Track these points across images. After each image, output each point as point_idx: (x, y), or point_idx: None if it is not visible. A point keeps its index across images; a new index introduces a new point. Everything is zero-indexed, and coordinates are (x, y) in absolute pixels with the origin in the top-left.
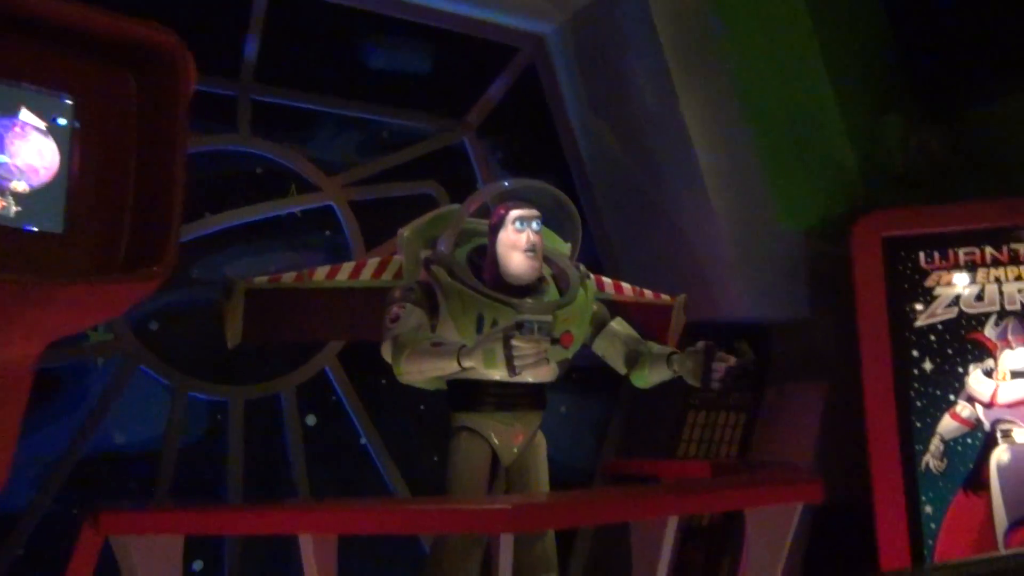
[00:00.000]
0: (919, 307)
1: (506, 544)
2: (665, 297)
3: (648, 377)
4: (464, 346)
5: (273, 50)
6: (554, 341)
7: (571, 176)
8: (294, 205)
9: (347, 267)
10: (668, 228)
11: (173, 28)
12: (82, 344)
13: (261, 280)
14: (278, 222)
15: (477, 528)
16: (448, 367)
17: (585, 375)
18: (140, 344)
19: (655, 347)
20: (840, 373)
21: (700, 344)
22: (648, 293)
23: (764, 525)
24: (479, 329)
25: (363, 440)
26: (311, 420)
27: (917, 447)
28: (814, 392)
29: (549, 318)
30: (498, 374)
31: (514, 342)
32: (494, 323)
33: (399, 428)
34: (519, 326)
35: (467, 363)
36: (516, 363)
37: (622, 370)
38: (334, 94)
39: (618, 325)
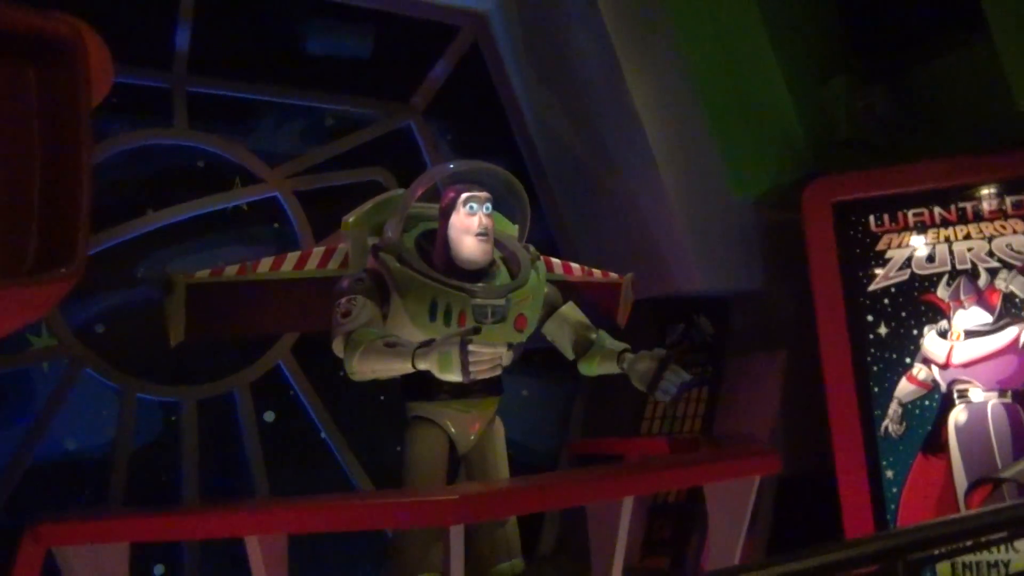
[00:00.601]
0: (872, 271)
1: (456, 535)
2: (613, 276)
3: (595, 368)
4: (419, 347)
5: (206, 39)
6: (509, 347)
7: (521, 156)
8: (238, 198)
9: (292, 257)
10: (620, 204)
11: (99, 19)
12: (25, 351)
13: (203, 274)
14: (224, 216)
15: (424, 521)
16: (402, 368)
17: (546, 356)
18: (85, 347)
19: (607, 340)
20: (799, 342)
21: (658, 351)
22: (597, 273)
23: (723, 500)
24: (432, 316)
25: (323, 434)
26: (269, 417)
27: (876, 412)
28: (774, 362)
29: (502, 302)
30: (453, 378)
31: (471, 347)
32: (447, 309)
33: (359, 420)
34: (475, 331)
35: (421, 365)
36: (471, 368)
37: (570, 356)
38: (273, 82)
39: (569, 310)
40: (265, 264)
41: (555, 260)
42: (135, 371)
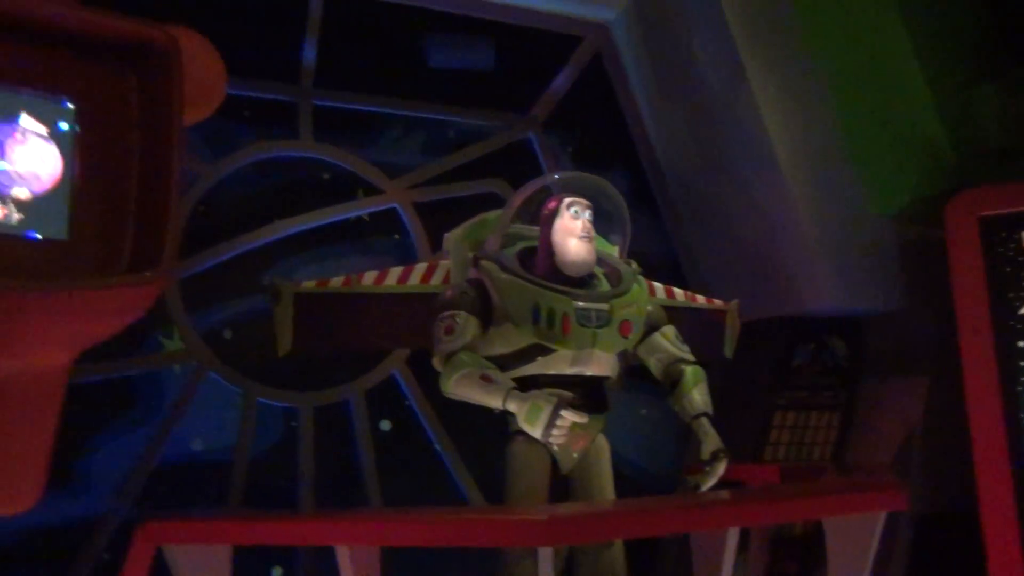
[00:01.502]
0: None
1: (545, 557)
2: (718, 302)
3: (674, 404)
4: (514, 388)
5: (332, 54)
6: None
7: (642, 168)
8: (359, 209)
9: (395, 272)
10: (746, 219)
11: (229, 36)
12: (158, 354)
13: (309, 284)
14: (347, 226)
15: (511, 541)
16: (492, 403)
17: None
18: (211, 352)
19: (694, 394)
20: (941, 367)
21: (717, 450)
22: (701, 298)
23: (844, 536)
24: (536, 319)
25: (436, 446)
26: (386, 426)
27: None
28: (914, 388)
29: (606, 306)
30: (532, 431)
31: (563, 412)
32: (550, 312)
33: (473, 433)
34: (572, 404)
35: (511, 407)
36: (553, 432)
37: (658, 377)
38: (396, 95)
39: (663, 338)
40: (369, 277)
41: (657, 284)
42: (258, 376)
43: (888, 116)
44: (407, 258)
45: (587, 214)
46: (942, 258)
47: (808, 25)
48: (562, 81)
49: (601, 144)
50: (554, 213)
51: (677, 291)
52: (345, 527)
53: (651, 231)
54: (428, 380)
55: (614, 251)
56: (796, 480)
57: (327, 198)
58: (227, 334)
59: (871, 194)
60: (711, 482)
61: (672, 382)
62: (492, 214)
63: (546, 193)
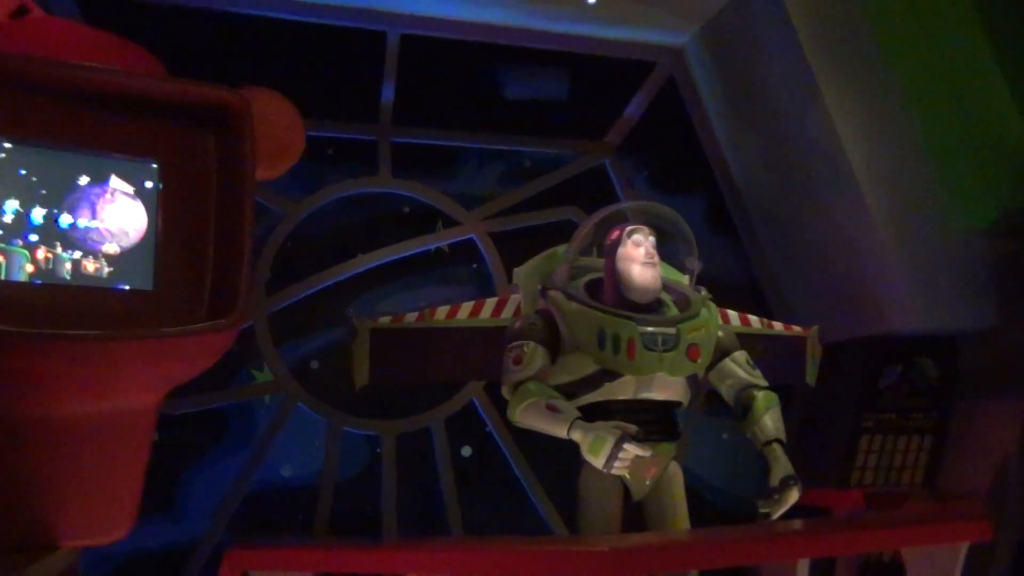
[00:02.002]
0: None
1: None
2: (797, 329)
3: (746, 430)
4: (579, 418)
5: (409, 92)
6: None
7: (720, 192)
8: (437, 241)
9: (467, 306)
10: (826, 239)
11: (311, 80)
12: (248, 385)
13: (384, 320)
14: (427, 258)
15: (578, 573)
16: (557, 432)
17: None
18: (297, 383)
19: (762, 417)
20: None
21: (787, 477)
22: (778, 325)
23: (924, 567)
24: (601, 345)
25: (516, 472)
26: (467, 451)
27: None
28: (1011, 410)
29: (672, 330)
30: (594, 461)
31: (626, 445)
32: (615, 337)
33: (553, 458)
34: (636, 437)
35: (575, 436)
36: (615, 463)
37: (730, 403)
38: (472, 129)
39: (733, 364)
40: (442, 312)
41: (731, 312)
42: (344, 405)
43: (972, 127)
44: (485, 287)
45: (650, 240)
46: None
47: (884, 41)
48: (636, 107)
49: (676, 169)
50: (617, 241)
51: (752, 318)
52: (418, 557)
53: (730, 255)
54: (506, 406)
55: (684, 279)
56: (881, 506)
57: (407, 231)
58: (314, 365)
59: (958, 208)
60: (781, 510)
61: (744, 408)
62: (560, 248)
63: (613, 222)
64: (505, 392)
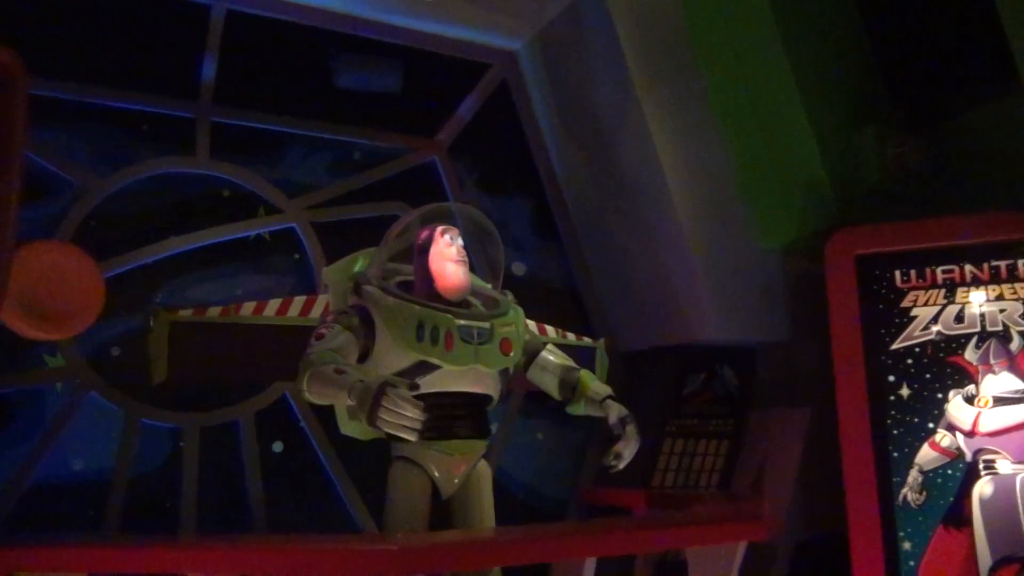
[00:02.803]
0: (896, 329)
1: None
2: (587, 340)
3: (581, 411)
4: (361, 380)
5: (233, 70)
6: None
7: (546, 196)
8: (254, 228)
9: (274, 304)
10: (641, 249)
11: (128, 49)
12: (37, 370)
13: (186, 313)
14: (246, 245)
15: (366, 572)
16: (341, 398)
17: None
18: (92, 370)
19: (591, 383)
20: (823, 398)
21: (623, 416)
22: (571, 336)
23: (705, 565)
24: (420, 337)
25: (328, 470)
26: (278, 447)
27: (895, 478)
28: (797, 418)
29: (487, 325)
30: (362, 418)
31: (387, 391)
32: (434, 329)
33: (364, 457)
34: (413, 387)
35: (352, 399)
36: (378, 414)
37: (556, 397)
38: (301, 115)
39: (549, 354)
40: (248, 308)
41: (529, 321)
42: (148, 396)
43: (775, 154)
44: (305, 278)
45: (460, 240)
46: (824, 292)
47: (703, 65)
48: (468, 107)
49: (506, 171)
50: (429, 239)
51: (549, 328)
52: (197, 555)
53: (554, 261)
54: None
55: (486, 286)
56: (677, 507)
57: (226, 216)
58: (115, 352)
59: (759, 229)
60: (631, 447)
61: (571, 387)
62: (368, 251)
63: (426, 224)
64: (300, 367)
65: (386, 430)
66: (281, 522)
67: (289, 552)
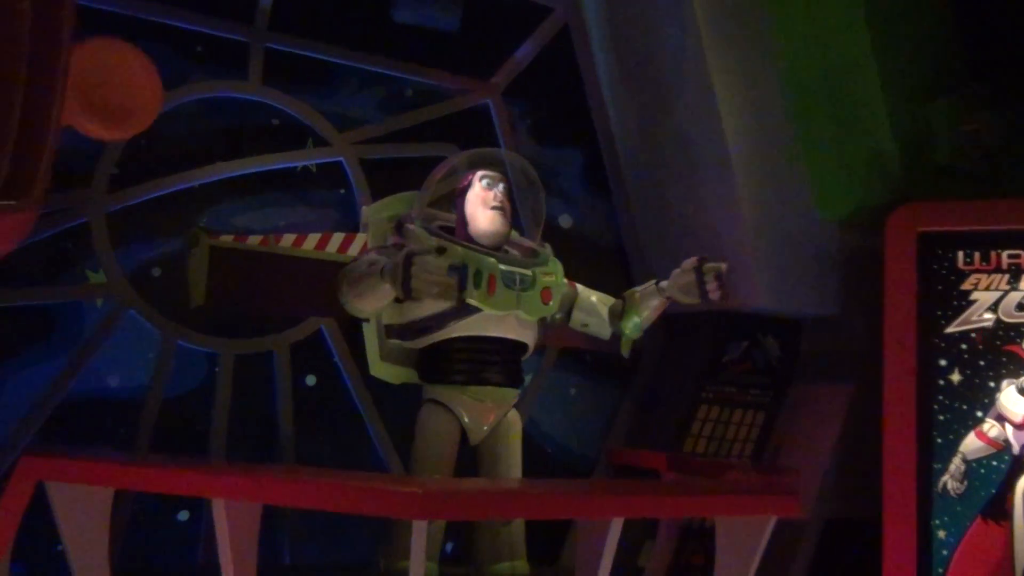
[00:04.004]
0: (952, 312)
1: (419, 530)
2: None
3: (643, 315)
4: (389, 260)
5: None
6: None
7: (599, 147)
8: (302, 159)
9: (313, 237)
10: (692, 208)
11: None
12: (78, 285)
13: (227, 239)
14: (292, 176)
15: (387, 512)
16: (379, 286)
17: (601, 358)
18: (132, 288)
19: (636, 290)
20: (867, 376)
21: (689, 261)
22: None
23: (733, 536)
24: (462, 281)
25: (358, 406)
26: (311, 380)
27: (936, 465)
28: (840, 395)
29: (528, 272)
30: (398, 291)
31: (415, 258)
32: (477, 272)
33: (397, 397)
34: (440, 251)
35: (386, 281)
36: (412, 283)
37: (608, 331)
38: (356, 47)
39: (586, 292)
40: (287, 239)
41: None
42: (185, 319)
43: (843, 120)
44: (349, 213)
45: (500, 187)
46: (881, 268)
47: (776, 25)
48: (527, 51)
49: (559, 120)
50: (468, 185)
51: (579, 286)
52: (221, 481)
53: (600, 214)
54: (356, 338)
55: (525, 239)
56: (707, 474)
57: (274, 145)
58: (156, 272)
59: (819, 197)
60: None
61: (618, 313)
62: (407, 194)
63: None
64: (338, 280)
65: (424, 295)
66: (309, 456)
67: (312, 485)
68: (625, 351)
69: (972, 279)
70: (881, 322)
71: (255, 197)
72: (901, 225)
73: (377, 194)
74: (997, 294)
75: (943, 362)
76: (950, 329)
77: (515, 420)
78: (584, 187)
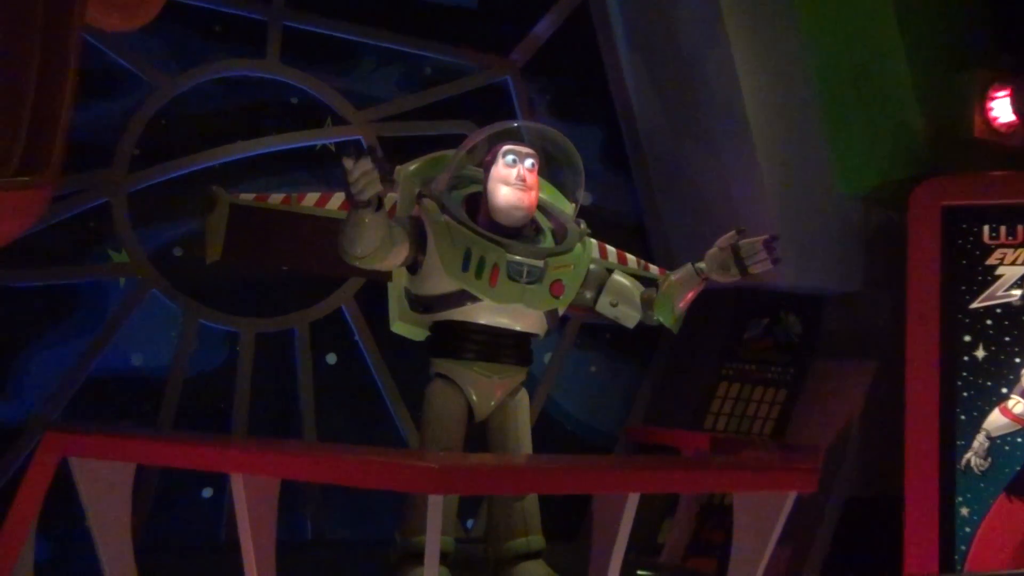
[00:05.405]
0: (977, 287)
1: (434, 504)
2: (654, 269)
3: (679, 296)
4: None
5: None
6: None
7: (618, 125)
8: (321, 138)
9: (338, 197)
10: (713, 185)
11: None
12: (101, 264)
13: (247, 197)
14: (310, 154)
15: (402, 486)
16: (353, 217)
17: (621, 336)
18: (154, 268)
19: (671, 274)
20: (890, 353)
21: (725, 237)
22: (653, 268)
23: (751, 512)
24: (465, 266)
25: (378, 385)
26: (331, 359)
27: (959, 442)
28: (862, 372)
29: (540, 263)
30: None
31: (344, 161)
32: (480, 260)
33: (415, 373)
34: (371, 150)
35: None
36: (353, 189)
37: (636, 319)
38: (374, 24)
39: (620, 276)
40: (311, 199)
41: (610, 248)
42: (206, 298)
43: (867, 93)
44: None
45: (527, 163)
46: (904, 243)
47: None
48: (546, 27)
49: (579, 97)
50: (492, 160)
51: (630, 257)
52: (239, 456)
53: (620, 190)
54: (376, 316)
55: (569, 208)
56: (726, 451)
57: (293, 124)
58: (177, 252)
59: (842, 172)
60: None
61: (652, 295)
62: (444, 152)
63: (503, 140)
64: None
65: (367, 195)
66: (330, 433)
67: (328, 460)
68: (675, 327)
69: (998, 254)
70: (904, 298)
71: (274, 176)
72: (925, 199)
73: None
74: (1023, 269)
75: (967, 338)
76: (975, 304)
77: (523, 399)
78: (603, 165)
